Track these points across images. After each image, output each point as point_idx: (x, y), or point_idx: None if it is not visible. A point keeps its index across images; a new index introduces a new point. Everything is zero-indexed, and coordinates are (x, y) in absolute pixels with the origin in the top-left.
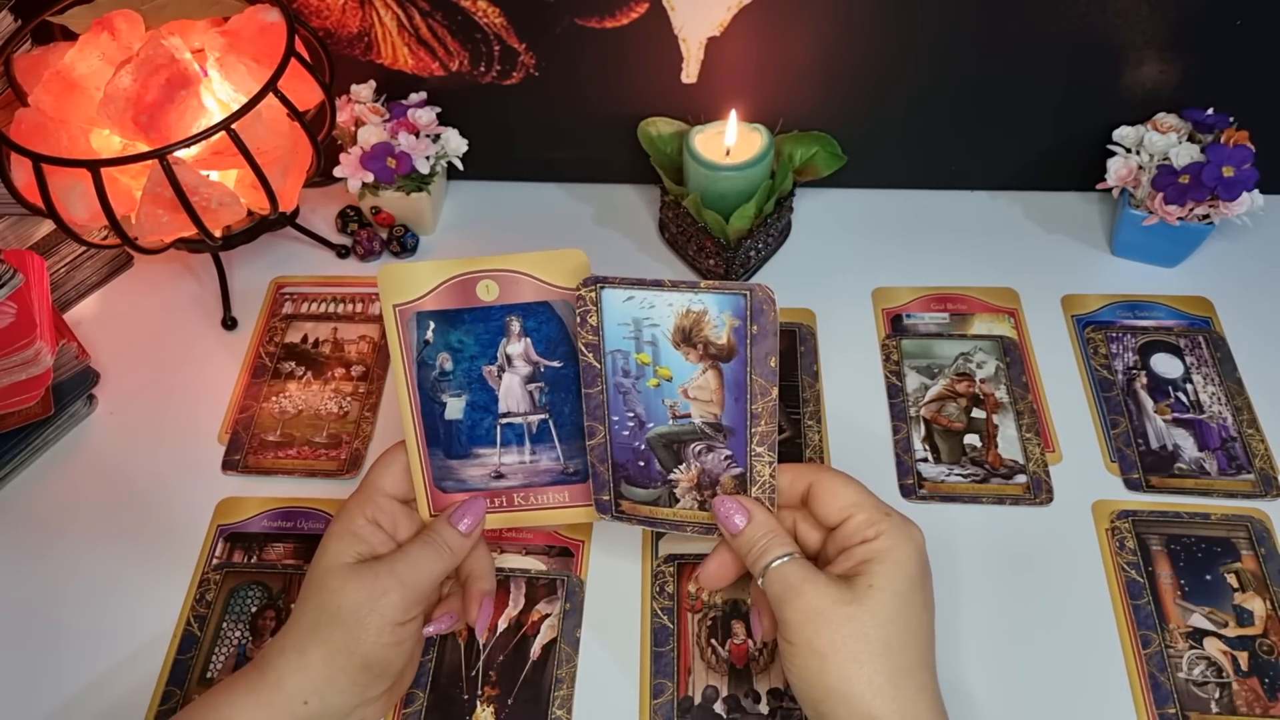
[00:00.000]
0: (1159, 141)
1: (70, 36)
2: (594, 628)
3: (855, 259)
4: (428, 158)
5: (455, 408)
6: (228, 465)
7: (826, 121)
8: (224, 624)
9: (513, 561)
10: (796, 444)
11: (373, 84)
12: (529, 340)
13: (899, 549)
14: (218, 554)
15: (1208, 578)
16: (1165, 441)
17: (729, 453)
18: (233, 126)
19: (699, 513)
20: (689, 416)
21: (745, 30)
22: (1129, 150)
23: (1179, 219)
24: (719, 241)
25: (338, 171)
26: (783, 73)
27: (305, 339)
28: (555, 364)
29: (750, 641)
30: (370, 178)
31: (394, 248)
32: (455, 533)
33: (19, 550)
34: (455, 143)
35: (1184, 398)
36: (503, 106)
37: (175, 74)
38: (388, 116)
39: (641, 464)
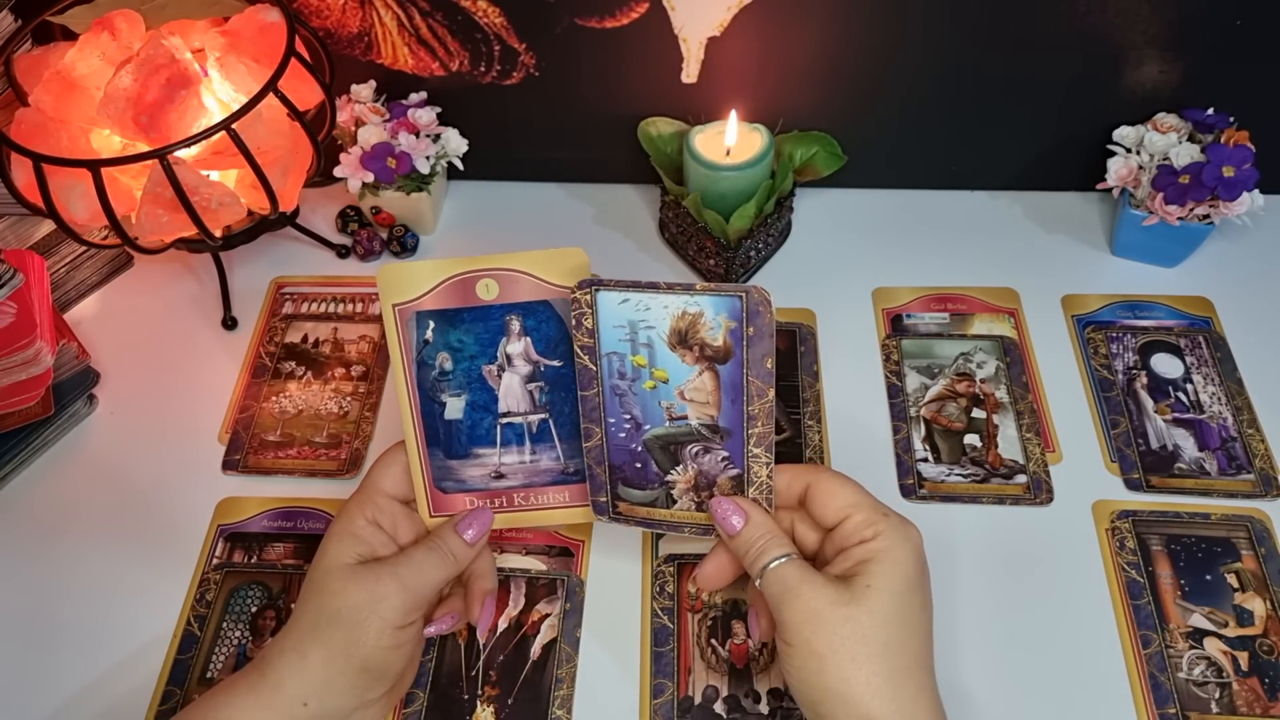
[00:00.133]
0: (1159, 141)
1: (70, 36)
2: (594, 628)
3: (855, 259)
4: (428, 158)
5: (455, 407)
6: (228, 465)
7: (826, 121)
8: (224, 624)
9: (513, 561)
10: (796, 444)
11: (373, 84)
12: (529, 339)
13: (897, 549)
14: (218, 554)
15: (1208, 578)
16: (1165, 441)
17: (726, 454)
18: (233, 126)
19: (696, 514)
20: (685, 418)
21: (745, 30)
22: (1129, 150)
23: (1179, 219)
24: (719, 241)
25: (338, 171)
26: (783, 73)
27: (305, 339)
28: (555, 363)
29: (750, 641)
30: (370, 178)
31: (394, 248)
32: (460, 541)
33: (19, 550)
34: (455, 143)
35: (1184, 398)
36: (503, 106)
37: (175, 74)
38: (388, 116)
39: (638, 465)
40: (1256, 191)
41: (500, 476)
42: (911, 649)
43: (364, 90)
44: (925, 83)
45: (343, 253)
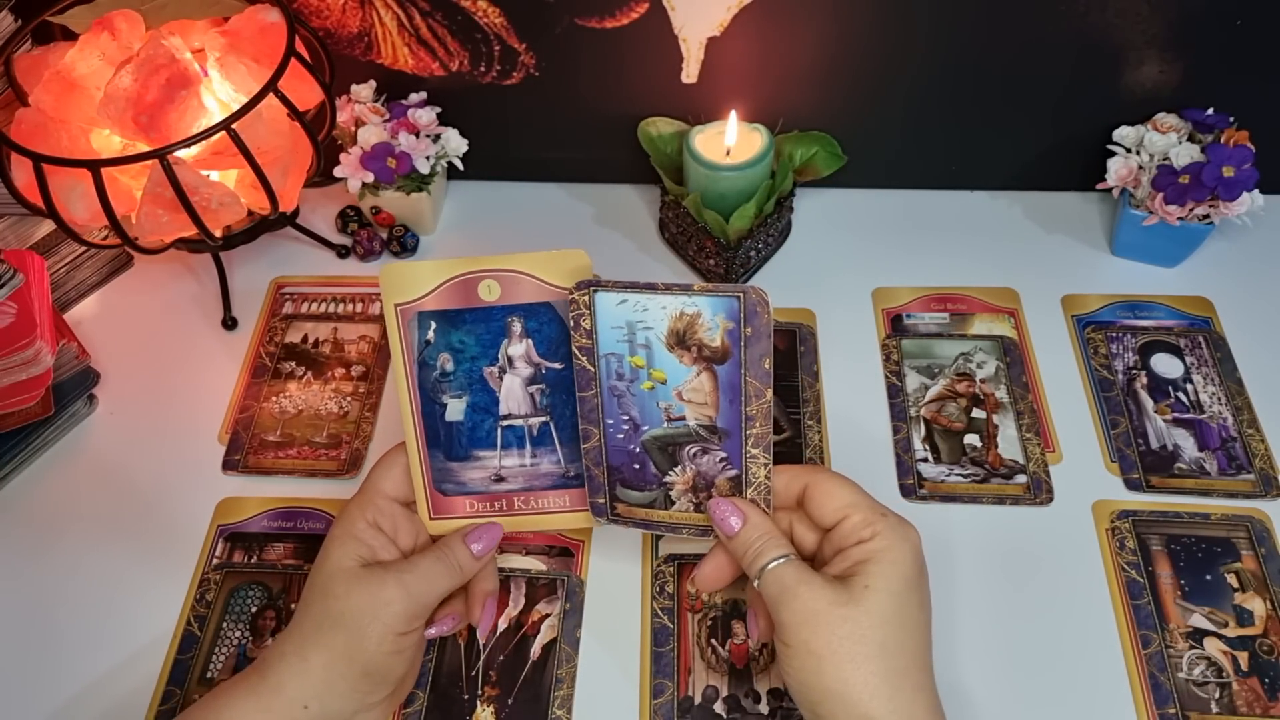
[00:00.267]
0: (1159, 141)
1: (70, 36)
2: (594, 628)
3: (855, 259)
4: (428, 158)
5: (456, 409)
6: (228, 465)
7: (826, 121)
8: (224, 624)
9: (513, 561)
10: (796, 444)
11: (373, 84)
12: (530, 341)
13: (895, 549)
14: (218, 554)
15: (1208, 578)
16: (1165, 441)
17: (724, 455)
18: (233, 126)
19: (695, 515)
20: (684, 419)
21: (745, 30)
22: (1129, 150)
23: (1179, 219)
24: (719, 241)
25: (338, 171)
26: (783, 73)
27: (305, 339)
28: (556, 365)
29: (750, 642)
30: (370, 178)
31: (394, 248)
32: (468, 553)
33: (19, 550)
34: (455, 143)
35: (1184, 398)
36: (503, 106)
37: (175, 74)
38: (388, 116)
39: (637, 467)
40: (1256, 191)
41: (500, 479)
42: (910, 649)
43: (364, 90)
44: (925, 83)
45: (343, 253)
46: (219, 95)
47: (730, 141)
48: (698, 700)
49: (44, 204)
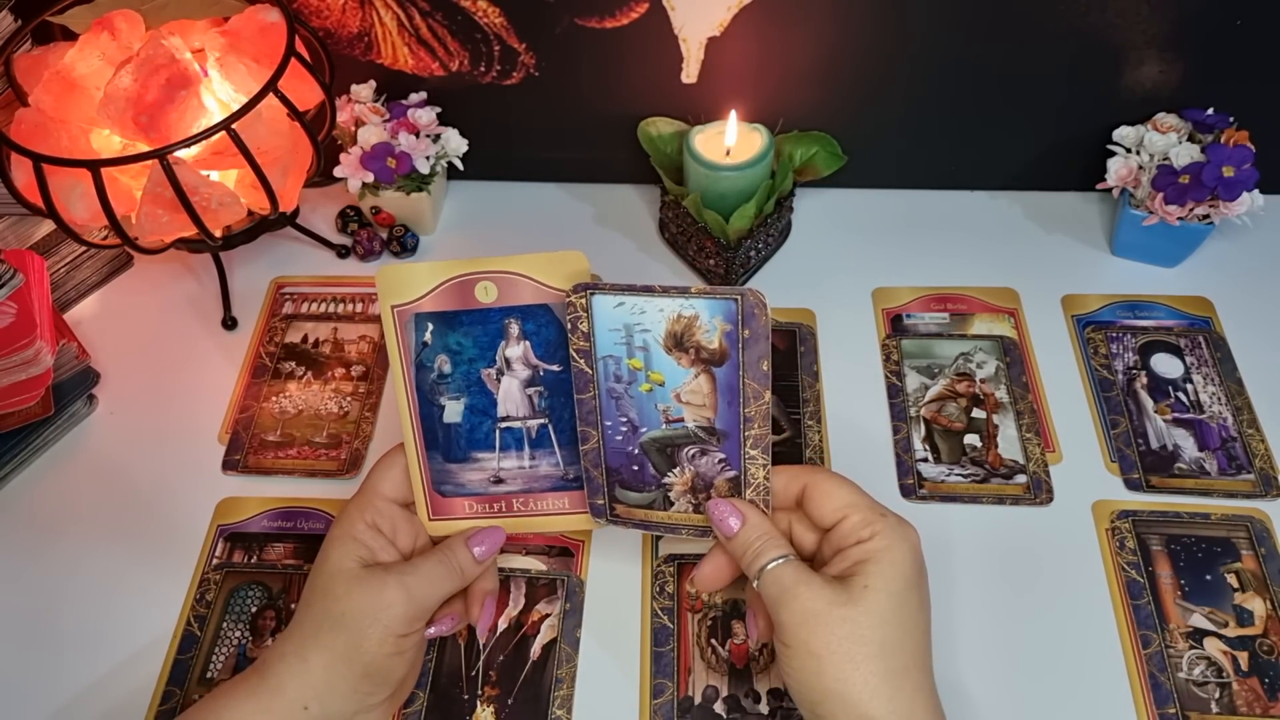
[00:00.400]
0: (1159, 141)
1: (70, 36)
2: (594, 628)
3: (855, 259)
4: (428, 158)
5: (454, 411)
6: (228, 465)
7: (826, 121)
8: (224, 624)
9: (513, 561)
10: (796, 444)
11: (373, 84)
12: (528, 343)
13: (894, 549)
14: (218, 554)
15: (1208, 578)
16: (1165, 441)
17: (723, 456)
18: (233, 126)
19: (694, 516)
20: (682, 421)
21: (745, 30)
22: (1129, 150)
23: (1179, 219)
24: (719, 241)
25: (338, 171)
26: (783, 73)
27: (305, 339)
28: (554, 368)
29: (750, 641)
30: (370, 178)
31: (394, 248)
32: (470, 556)
33: (19, 550)
34: (455, 143)
35: (1184, 398)
36: (503, 106)
37: (175, 74)
38: (388, 116)
39: (635, 468)
40: (1256, 191)
41: (499, 481)
42: (909, 649)
43: (364, 90)
44: (925, 82)
45: (343, 253)
46: (219, 95)
47: (730, 141)
48: (698, 700)
49: (44, 204)
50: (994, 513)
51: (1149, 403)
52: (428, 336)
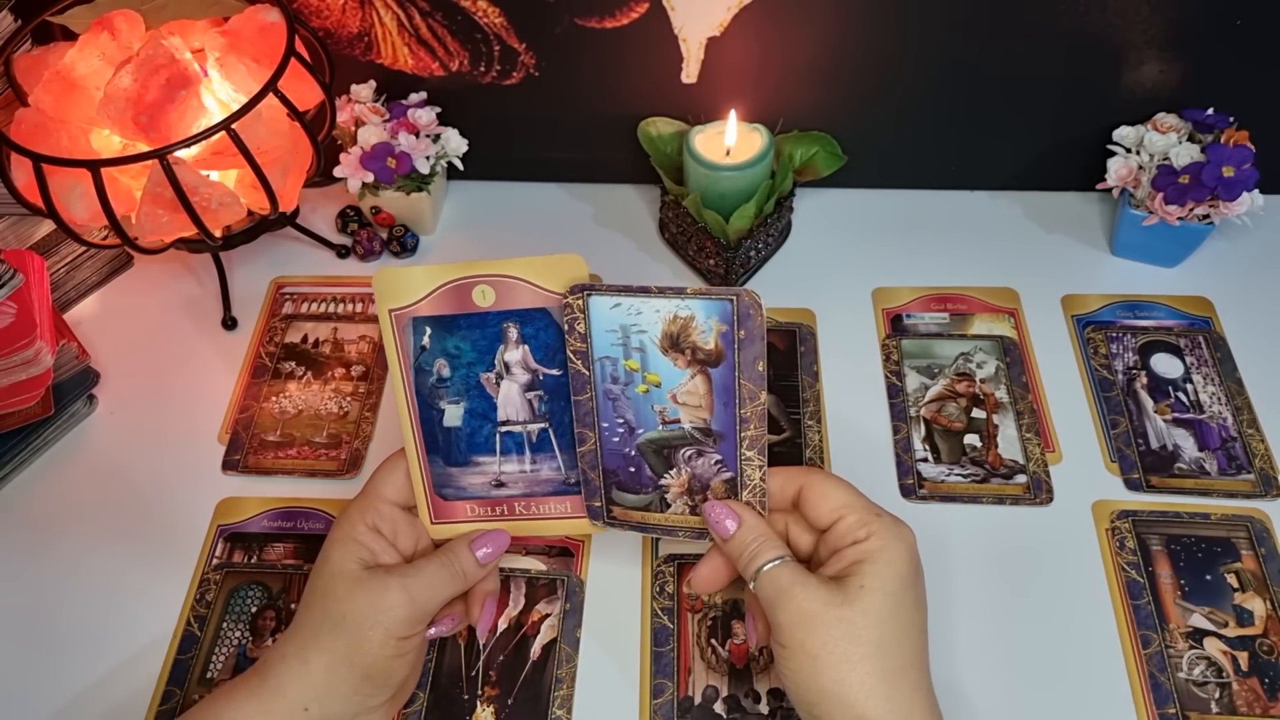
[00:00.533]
0: (1159, 141)
1: (70, 36)
2: (594, 628)
3: (855, 259)
4: (428, 158)
5: (454, 414)
6: (228, 465)
7: (826, 121)
8: (224, 624)
9: (513, 561)
10: (796, 444)
11: (373, 84)
12: (527, 347)
13: (890, 549)
14: (218, 554)
15: (1208, 578)
16: (1165, 441)
17: (719, 457)
18: (233, 126)
19: (691, 517)
20: (678, 422)
21: (745, 30)
22: (1129, 150)
23: (1179, 219)
24: (719, 241)
25: (338, 171)
26: (783, 73)
27: (305, 339)
28: (554, 372)
29: (750, 644)
30: (370, 178)
31: (394, 248)
32: (473, 560)
33: (19, 550)
34: (455, 143)
35: (1184, 398)
36: (503, 106)
37: (175, 74)
38: (388, 116)
39: (632, 470)
40: (1256, 191)
41: (501, 485)
42: (906, 649)
43: (364, 90)
44: (925, 83)
45: (343, 253)
46: (219, 95)
47: (730, 141)
48: (698, 700)
49: (44, 204)
50: (994, 513)
51: (1149, 403)
52: (426, 340)
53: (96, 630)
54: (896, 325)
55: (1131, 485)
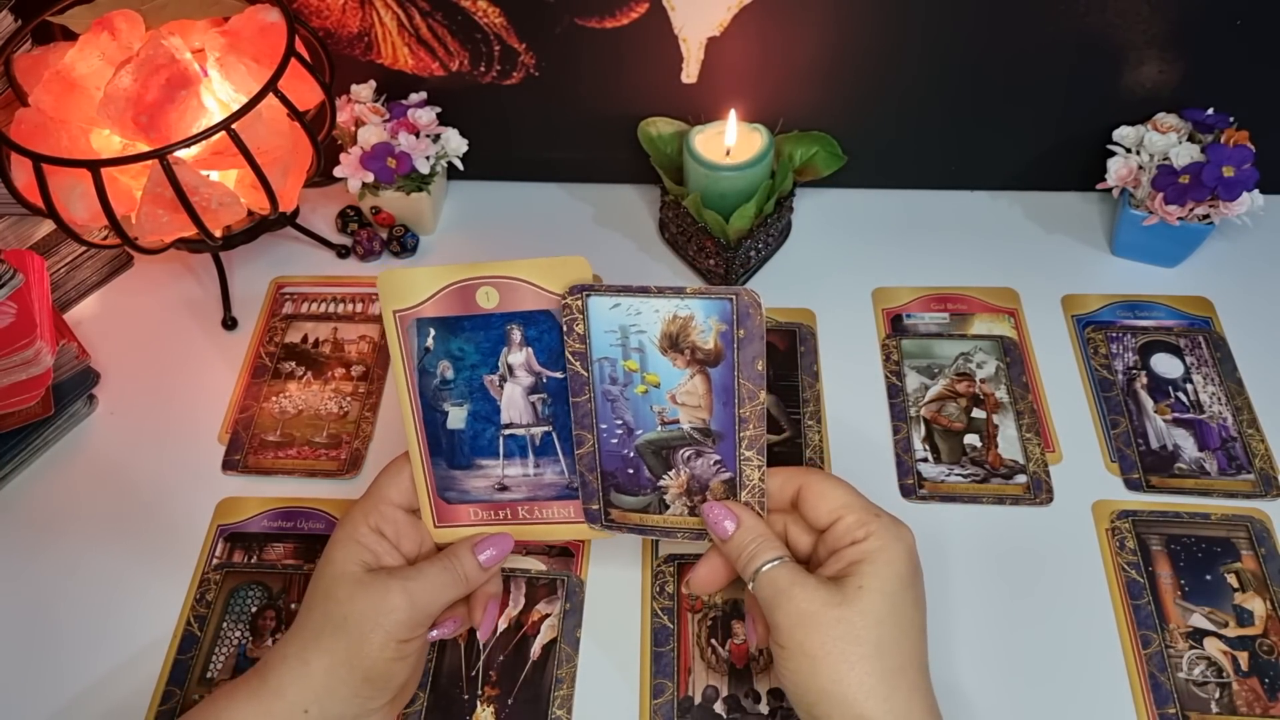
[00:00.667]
0: (1159, 141)
1: (70, 36)
2: (594, 628)
3: (855, 259)
4: (428, 158)
5: (457, 417)
6: (228, 465)
7: (826, 121)
8: (224, 624)
9: (513, 561)
10: (796, 444)
11: (373, 84)
12: (531, 350)
13: (889, 549)
14: (218, 554)
15: (1208, 578)
16: (1165, 441)
17: (718, 457)
18: (233, 126)
19: (689, 518)
20: (677, 422)
21: (745, 30)
22: (1129, 150)
23: (1179, 219)
24: (719, 241)
25: (338, 171)
26: (783, 73)
27: (305, 339)
28: (558, 375)
29: (750, 645)
30: (370, 178)
31: (394, 248)
32: (475, 563)
33: (19, 550)
34: (455, 143)
35: (1184, 398)
36: (503, 106)
37: (175, 74)
38: (388, 116)
39: (631, 471)
40: (1256, 191)
41: (504, 488)
42: (905, 649)
43: (364, 90)
44: (925, 83)
45: (343, 253)
46: (219, 95)
47: (730, 141)
48: (698, 700)
49: (44, 204)
50: (994, 513)
51: (1149, 403)
52: (429, 342)
53: (96, 630)
54: (896, 325)
55: (1131, 485)
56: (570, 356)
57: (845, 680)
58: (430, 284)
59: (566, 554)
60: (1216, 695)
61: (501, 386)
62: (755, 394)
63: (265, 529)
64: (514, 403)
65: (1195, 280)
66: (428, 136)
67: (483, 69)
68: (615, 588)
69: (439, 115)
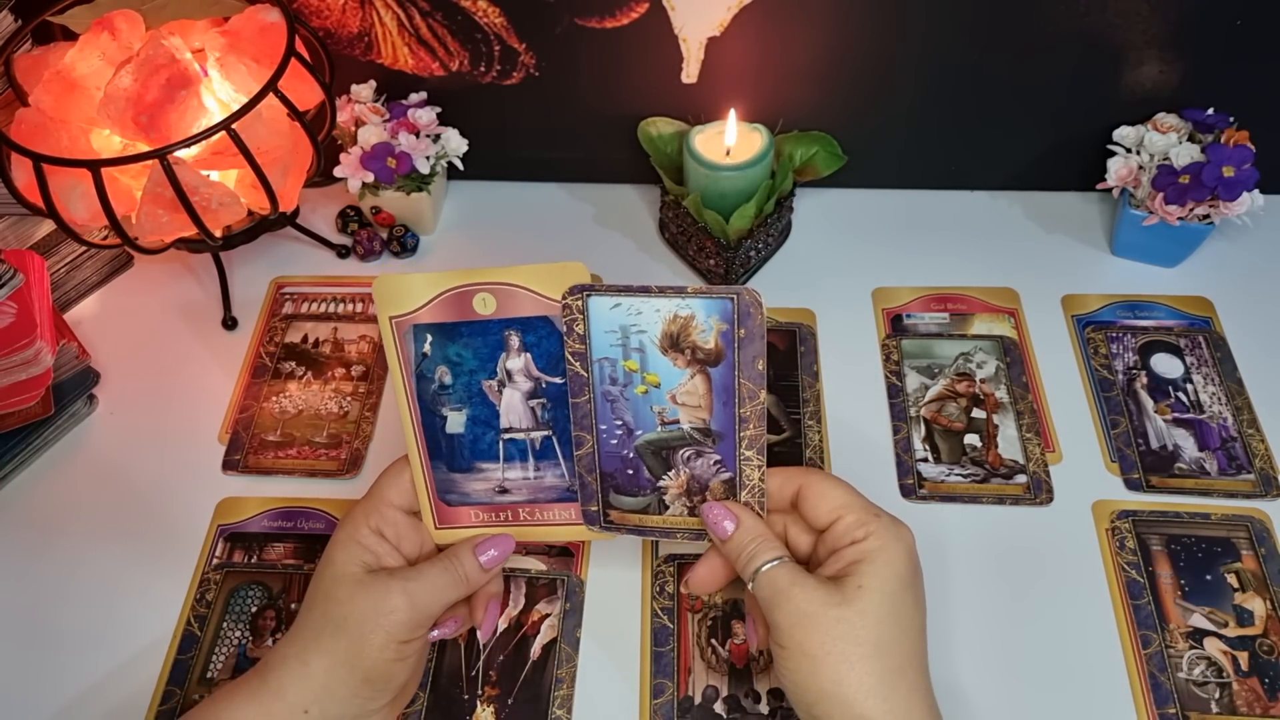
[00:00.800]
0: (1159, 141)
1: (70, 36)
2: (594, 628)
3: (855, 259)
4: (428, 158)
5: (456, 421)
6: (228, 465)
7: (826, 121)
8: (224, 624)
9: (513, 561)
10: (796, 444)
11: (373, 84)
12: (529, 355)
13: (888, 549)
14: (218, 554)
15: (1208, 578)
16: (1165, 441)
17: (718, 457)
18: (233, 126)
19: (689, 519)
20: (677, 423)
21: (745, 30)
22: (1129, 150)
23: (1179, 219)
24: (719, 241)
25: (338, 171)
26: (783, 73)
27: (305, 339)
28: (557, 380)
29: (750, 646)
30: (370, 178)
31: (394, 248)
32: (476, 564)
33: (19, 550)
34: (455, 143)
35: (1184, 398)
36: (503, 106)
37: (175, 74)
38: (388, 116)
39: (630, 472)
40: (1256, 191)
41: (505, 491)
42: (905, 649)
43: (364, 90)
44: (925, 83)
45: (343, 253)
46: (219, 95)
47: (730, 141)
48: (698, 700)
49: (44, 204)
50: (994, 513)
51: (1149, 403)
52: (427, 348)
53: (96, 630)
54: (896, 325)
55: (1131, 485)
56: (570, 357)
57: (845, 680)
58: (426, 290)
59: (566, 554)
60: (1216, 695)
61: (500, 392)
62: (755, 394)
63: (265, 529)
64: (513, 408)
65: (1195, 280)
66: (428, 136)
67: (483, 69)
68: (615, 588)
69: (439, 115)
